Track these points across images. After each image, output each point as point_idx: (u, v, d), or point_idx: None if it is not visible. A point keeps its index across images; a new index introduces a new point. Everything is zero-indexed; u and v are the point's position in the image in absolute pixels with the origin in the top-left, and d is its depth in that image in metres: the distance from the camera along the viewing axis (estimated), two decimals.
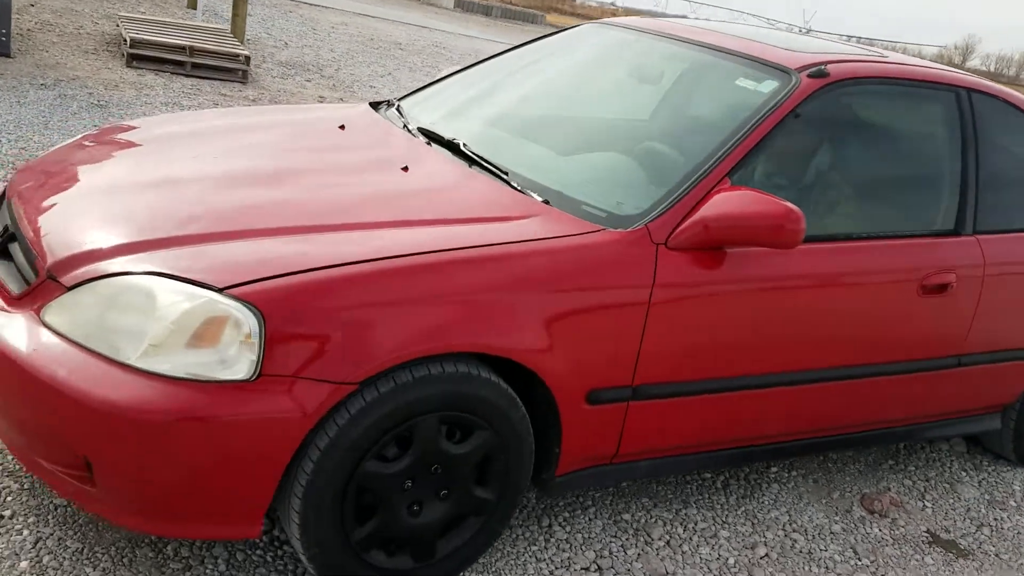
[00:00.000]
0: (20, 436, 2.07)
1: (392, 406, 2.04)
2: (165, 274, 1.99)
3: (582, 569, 2.51)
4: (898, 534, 3.05)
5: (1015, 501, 3.44)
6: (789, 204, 2.32)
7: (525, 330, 2.16)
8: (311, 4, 18.39)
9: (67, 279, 2.05)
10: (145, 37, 8.45)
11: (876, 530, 3.05)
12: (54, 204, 2.35)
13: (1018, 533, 3.22)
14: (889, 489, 3.33)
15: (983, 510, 3.33)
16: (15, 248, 2.29)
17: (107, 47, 9.09)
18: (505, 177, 2.56)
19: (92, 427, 1.89)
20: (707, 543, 2.75)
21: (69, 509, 2.33)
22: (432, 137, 2.86)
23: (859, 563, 2.84)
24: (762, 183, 2.63)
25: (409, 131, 2.95)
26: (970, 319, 3.05)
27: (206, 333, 1.91)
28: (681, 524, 2.82)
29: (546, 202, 2.44)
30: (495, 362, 2.20)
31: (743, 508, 2.99)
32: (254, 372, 1.90)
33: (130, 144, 2.84)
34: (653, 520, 2.80)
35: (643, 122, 3.08)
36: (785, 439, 2.87)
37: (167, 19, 10.19)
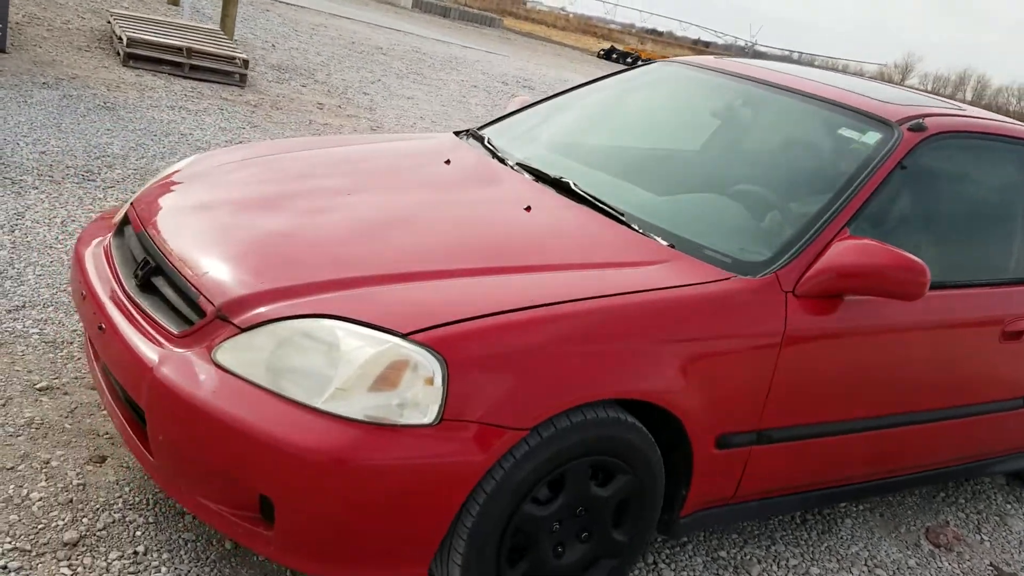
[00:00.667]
0: (183, 476, 2.04)
1: (553, 450, 2.05)
2: (347, 318, 1.98)
3: None
4: (966, 567, 3.16)
5: None
6: (914, 256, 2.39)
7: (668, 376, 2.20)
8: (284, 3, 18.20)
9: (241, 320, 2.03)
10: (142, 36, 8.28)
11: (946, 564, 3.15)
12: (201, 239, 2.32)
13: None
14: (948, 523, 3.44)
15: None
16: (160, 282, 2.26)
17: (99, 44, 8.90)
18: (624, 219, 2.59)
19: (277, 468, 1.87)
20: None
21: (199, 544, 2.30)
22: (538, 175, 2.87)
23: None
24: (868, 232, 2.70)
25: (511, 167, 2.96)
26: None
27: (389, 377, 1.91)
28: (775, 561, 2.87)
29: (671, 246, 2.48)
30: (634, 406, 2.23)
31: (825, 544, 3.06)
32: (437, 417, 1.90)
33: (246, 174, 2.81)
34: (748, 557, 2.85)
35: (737, 164, 3.13)
36: (877, 478, 2.95)
37: (159, 17, 9.99)
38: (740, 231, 2.67)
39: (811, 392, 2.53)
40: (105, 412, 2.75)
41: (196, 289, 2.14)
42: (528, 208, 2.61)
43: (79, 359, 3.03)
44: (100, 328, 2.25)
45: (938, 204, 2.96)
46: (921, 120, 2.83)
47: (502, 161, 3.03)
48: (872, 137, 2.80)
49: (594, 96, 3.62)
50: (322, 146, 3.17)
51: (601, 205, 2.66)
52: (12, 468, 2.41)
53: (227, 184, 2.71)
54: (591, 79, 3.75)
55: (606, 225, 2.58)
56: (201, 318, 2.09)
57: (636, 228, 2.56)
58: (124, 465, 2.54)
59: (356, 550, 1.95)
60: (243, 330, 2.02)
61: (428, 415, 1.90)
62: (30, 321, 3.19)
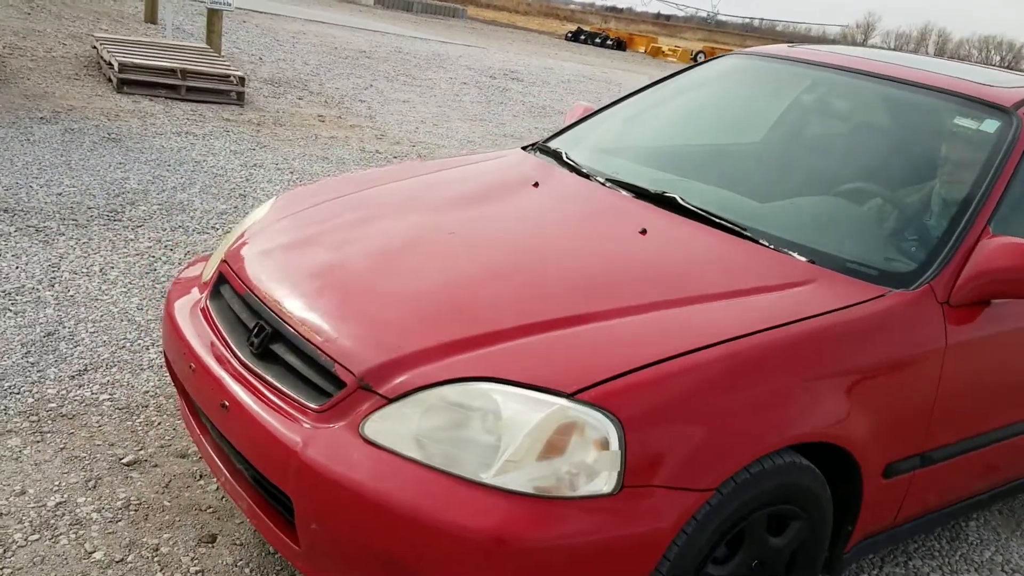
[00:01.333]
0: (338, 565, 1.85)
1: (733, 507, 1.88)
2: (504, 380, 1.80)
3: None
4: None
5: None
6: None
7: (840, 410, 2.03)
8: (257, 12, 17.88)
9: (387, 389, 1.84)
10: (133, 61, 8.01)
11: None
12: (320, 297, 2.13)
13: None
14: None
15: None
16: (281, 349, 2.07)
17: (87, 71, 8.62)
18: (748, 235, 2.42)
19: (450, 553, 1.69)
20: None
21: None
22: (637, 191, 2.69)
23: None
24: (1006, 229, 2.53)
25: (603, 183, 2.78)
26: None
27: (559, 443, 1.73)
28: None
29: (812, 262, 2.30)
30: (805, 446, 2.06)
31: (959, 553, 2.92)
32: (617, 485, 1.73)
33: (340, 220, 2.61)
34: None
35: (846, 163, 2.95)
36: (1015, 480, 2.81)
37: (144, 39, 9.70)
38: (873, 238, 2.50)
39: (972, 405, 2.38)
40: (204, 483, 2.56)
41: (329, 357, 1.95)
42: (644, 231, 2.43)
43: (159, 424, 2.82)
44: (223, 406, 2.05)
45: None
46: None
47: (589, 178, 2.85)
48: (991, 125, 2.63)
49: (664, 98, 3.43)
50: (396, 178, 2.97)
51: (718, 220, 2.48)
52: (122, 560, 2.22)
53: (325, 231, 2.51)
54: (656, 79, 3.56)
55: (731, 243, 2.40)
56: (340, 389, 1.90)
57: (766, 244, 2.38)
58: (237, 543, 2.35)
59: None
60: (391, 400, 1.84)
61: (608, 483, 1.72)
62: (97, 386, 2.98)
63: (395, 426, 1.82)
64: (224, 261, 2.43)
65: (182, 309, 2.39)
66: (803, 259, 2.32)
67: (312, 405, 1.92)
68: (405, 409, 1.82)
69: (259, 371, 2.06)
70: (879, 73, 2.97)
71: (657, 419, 1.77)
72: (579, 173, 2.89)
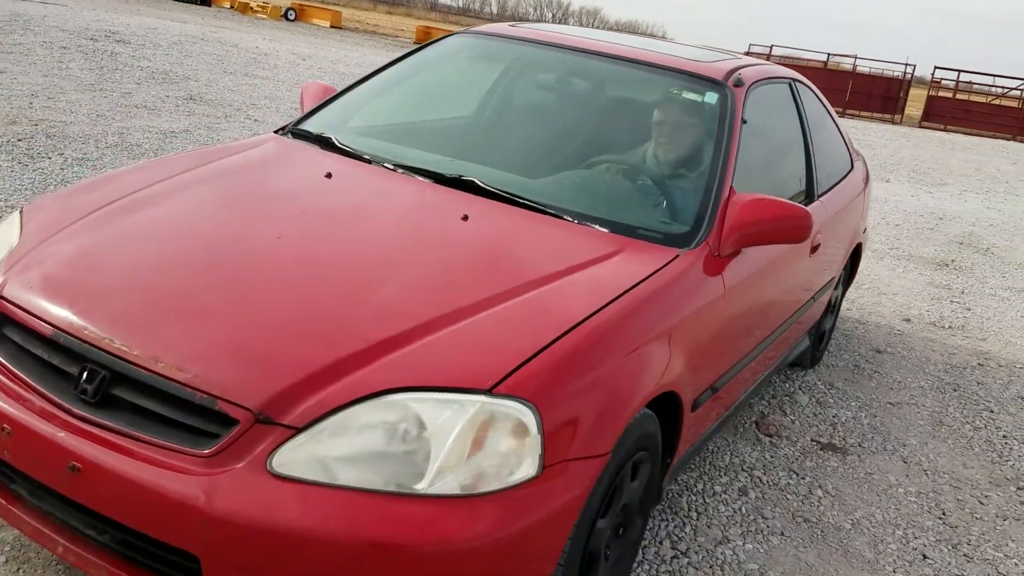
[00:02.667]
0: None
1: (617, 465, 2.09)
2: (418, 387, 1.79)
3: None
4: (798, 448, 3.74)
5: (827, 397, 4.35)
6: (798, 204, 2.73)
7: (673, 361, 2.32)
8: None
9: (293, 419, 1.75)
10: None
11: (786, 449, 3.70)
12: (166, 325, 1.93)
13: (855, 422, 4.11)
14: (764, 414, 4.02)
15: (821, 410, 4.18)
16: (128, 392, 1.85)
17: None
18: (552, 212, 2.60)
19: (398, 572, 1.69)
20: (727, 496, 3.16)
21: None
22: (435, 177, 2.74)
23: (802, 480, 3.45)
24: (741, 187, 2.98)
25: (398, 171, 2.79)
26: (826, 264, 3.79)
27: (484, 440, 1.80)
28: (686, 487, 3.18)
29: (614, 232, 2.55)
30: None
31: (708, 462, 3.44)
32: (539, 467, 1.84)
33: (136, 229, 2.34)
34: (680, 488, 3.13)
35: (596, 138, 3.20)
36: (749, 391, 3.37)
37: None
38: (649, 205, 2.81)
39: (739, 336, 2.81)
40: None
41: (207, 394, 1.79)
42: (465, 217, 2.51)
43: None
44: (74, 469, 1.79)
45: (765, 145, 3.34)
46: (738, 76, 3.16)
47: (370, 163, 2.84)
48: (712, 97, 3.07)
49: (405, 77, 3.48)
50: (161, 176, 2.69)
51: (520, 200, 2.64)
52: None
53: (122, 245, 2.24)
54: (395, 59, 3.57)
55: (544, 222, 2.57)
56: (230, 428, 1.78)
57: (570, 219, 2.59)
58: None
59: None
60: (300, 429, 1.76)
61: (532, 468, 1.83)
62: None
63: (310, 455, 1.75)
64: (2, 300, 2.07)
65: None
66: (605, 230, 2.56)
67: (197, 450, 1.77)
68: (320, 436, 1.76)
69: (107, 422, 1.84)
70: (611, 53, 3.29)
71: (563, 399, 1.90)
72: (359, 159, 2.86)
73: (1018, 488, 3.70)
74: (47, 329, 1.97)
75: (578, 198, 2.73)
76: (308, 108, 3.31)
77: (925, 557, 3.06)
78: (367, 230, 2.44)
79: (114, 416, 1.84)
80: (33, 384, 1.93)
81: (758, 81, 3.32)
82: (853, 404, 4.31)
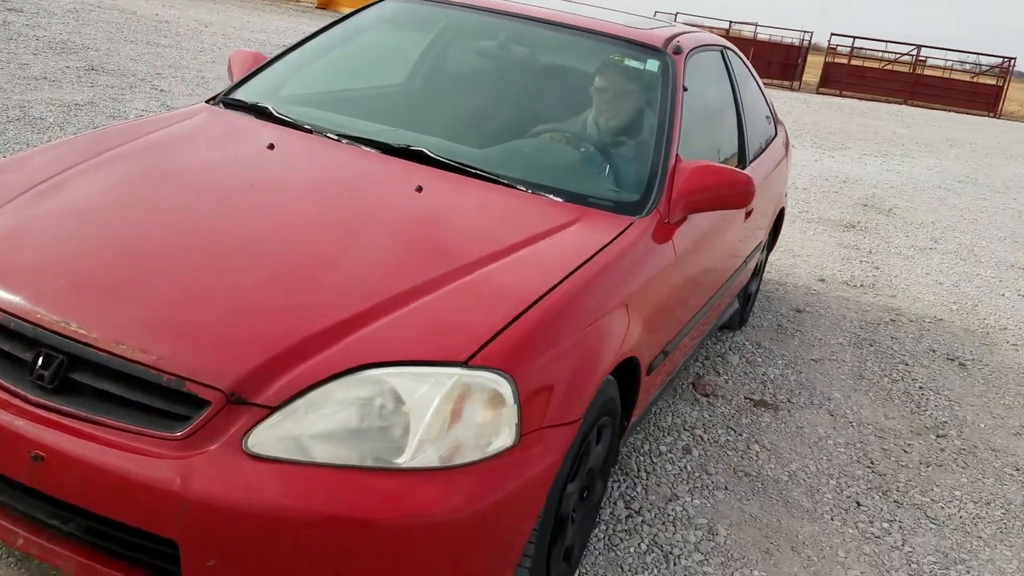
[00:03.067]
0: None
1: (584, 431, 2.13)
2: (394, 362, 1.79)
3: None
4: (733, 406, 3.87)
5: (756, 356, 4.51)
6: (743, 172, 2.80)
7: (633, 327, 2.37)
8: None
9: (267, 397, 1.74)
10: None
11: (722, 408, 3.83)
12: (122, 305, 1.88)
13: (783, 379, 4.27)
14: (700, 375, 4.14)
15: (751, 369, 4.33)
16: (88, 377, 1.79)
17: None
18: (503, 182, 2.61)
19: (381, 550, 1.70)
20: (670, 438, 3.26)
21: None
22: (381, 147, 2.71)
23: (740, 436, 3.58)
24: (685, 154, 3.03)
25: (340, 141, 2.75)
26: (756, 228, 3.91)
27: (461, 412, 1.81)
28: (633, 447, 3.27)
29: (567, 202, 2.57)
30: None
31: (651, 424, 3.53)
32: (516, 436, 1.86)
33: (72, 207, 2.25)
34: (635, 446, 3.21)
35: (537, 106, 3.20)
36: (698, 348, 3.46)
37: None
38: (592, 174, 2.84)
39: (688, 300, 2.88)
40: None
41: (175, 375, 1.75)
42: (419, 189, 2.50)
43: None
44: (36, 458, 1.73)
45: (702, 112, 3.41)
46: (676, 43, 3.21)
47: (323, 135, 2.79)
48: (653, 65, 3.11)
49: (337, 44, 3.42)
50: (92, 152, 2.58)
51: (472, 170, 2.64)
52: None
53: (61, 225, 2.16)
54: (320, 28, 3.49)
55: (495, 191, 2.58)
56: (202, 409, 1.74)
57: (523, 189, 2.60)
58: None
59: None
60: (275, 408, 1.74)
61: (509, 437, 1.85)
62: None
63: (285, 434, 1.74)
64: None
65: None
66: (559, 200, 2.59)
67: (167, 433, 1.73)
68: (295, 414, 1.74)
69: (68, 408, 1.78)
70: (548, 19, 3.29)
71: (536, 369, 1.93)
72: (300, 129, 2.81)
73: (937, 436, 3.92)
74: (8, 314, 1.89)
75: (528, 168, 2.74)
76: (238, 77, 3.22)
77: (859, 504, 3.22)
78: (319, 203, 2.41)
79: (75, 401, 1.78)
80: None
81: (694, 48, 3.38)
82: (780, 362, 4.47)
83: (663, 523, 2.86)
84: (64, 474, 1.73)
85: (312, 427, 1.74)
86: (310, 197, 2.44)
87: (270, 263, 2.08)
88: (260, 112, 2.94)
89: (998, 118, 26.37)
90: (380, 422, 1.77)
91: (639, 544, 2.72)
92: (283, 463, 1.71)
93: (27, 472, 1.76)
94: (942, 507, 3.31)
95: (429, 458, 1.76)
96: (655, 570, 2.61)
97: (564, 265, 2.23)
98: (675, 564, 2.66)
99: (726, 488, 3.16)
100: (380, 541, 1.69)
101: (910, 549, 2.99)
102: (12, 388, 1.81)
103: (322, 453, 1.72)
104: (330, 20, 3.59)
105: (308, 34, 3.48)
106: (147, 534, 1.72)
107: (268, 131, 2.81)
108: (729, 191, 2.74)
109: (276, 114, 2.89)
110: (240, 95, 3.09)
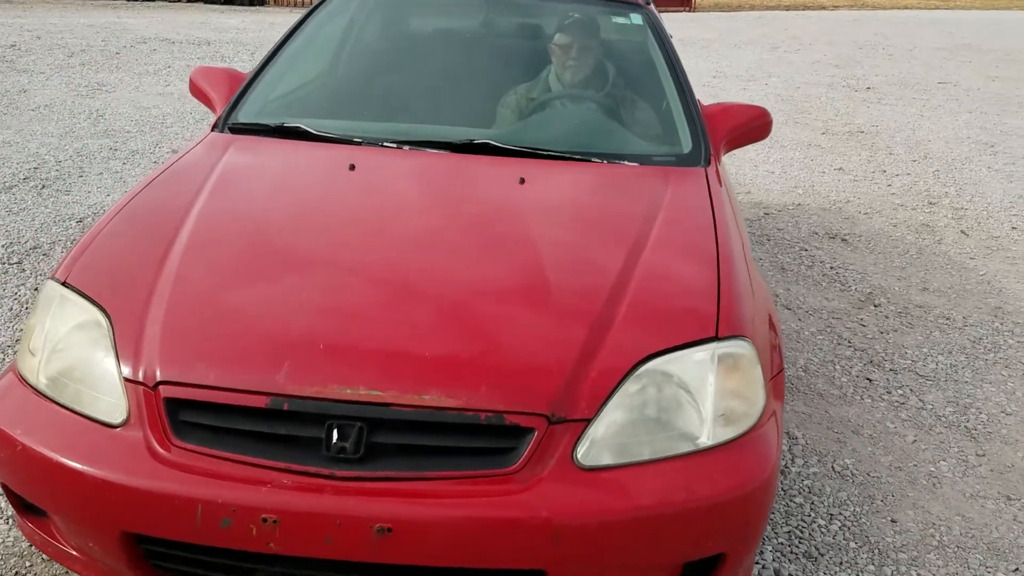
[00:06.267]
0: None
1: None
2: (664, 350, 1.86)
3: None
4: None
5: None
6: (759, 105, 3.02)
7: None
8: None
9: (581, 411, 1.77)
10: None
11: None
12: (381, 353, 1.82)
13: None
14: None
15: None
16: (388, 436, 1.73)
17: None
18: (578, 157, 2.66)
19: (742, 517, 1.83)
20: None
21: None
22: (451, 147, 2.66)
23: None
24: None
25: (398, 148, 2.65)
26: None
27: (731, 381, 1.92)
28: None
29: (649, 163, 2.66)
30: None
31: None
32: (765, 393, 1.98)
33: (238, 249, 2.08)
34: None
35: (535, 74, 3.18)
36: None
37: None
38: (639, 134, 2.94)
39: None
40: None
41: (491, 411, 1.73)
42: (522, 181, 2.48)
43: None
44: (381, 531, 1.63)
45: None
46: None
47: (378, 145, 2.68)
48: (637, 18, 3.23)
49: (316, 45, 3.23)
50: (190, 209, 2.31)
51: (542, 152, 2.66)
52: None
53: (237, 283, 1.99)
54: (290, 30, 3.25)
55: (582, 169, 2.63)
56: (527, 436, 1.74)
57: (598, 161, 2.66)
58: None
59: None
60: (590, 420, 1.77)
61: (762, 396, 1.97)
62: None
63: (605, 440, 1.78)
64: (160, 384, 1.77)
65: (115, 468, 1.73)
66: (635, 164, 2.67)
67: (503, 469, 1.71)
68: (605, 420, 1.78)
69: (389, 473, 1.72)
70: None
71: (754, 326, 2.05)
72: (349, 143, 2.68)
73: (874, 305, 4.44)
74: (260, 400, 1.73)
75: (585, 139, 2.80)
76: (224, 98, 2.95)
77: (870, 380, 3.64)
78: (455, 218, 2.35)
79: (385, 464, 1.71)
80: (268, 463, 1.70)
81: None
82: None
83: None
84: (416, 538, 1.65)
85: (621, 428, 1.78)
86: (440, 212, 2.36)
87: (477, 286, 2.04)
88: (286, 133, 2.73)
89: (692, 11, 27.65)
90: (674, 410, 1.83)
91: None
92: (615, 468, 1.74)
93: (372, 549, 1.66)
94: (923, 364, 3.81)
95: (725, 432, 1.85)
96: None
97: (705, 223, 2.34)
98: (786, 475, 2.92)
99: None
100: (728, 518, 1.78)
101: (930, 405, 3.44)
102: (314, 470, 1.69)
103: (639, 450, 1.77)
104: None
105: (281, 40, 3.23)
106: (509, 572, 1.69)
107: (318, 152, 2.65)
108: (754, 125, 2.95)
109: (316, 133, 2.71)
110: (246, 117, 2.84)
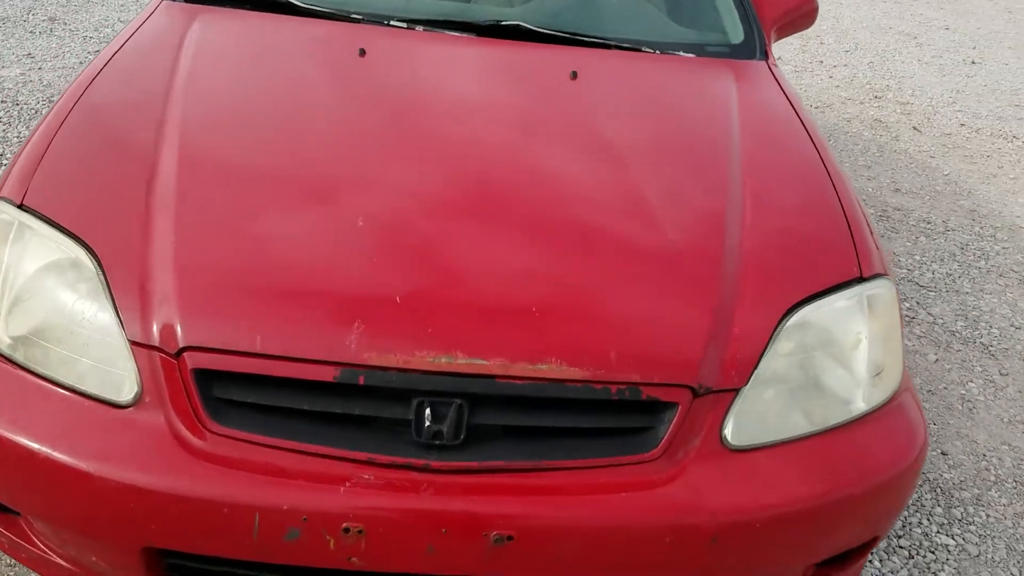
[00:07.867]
0: None
1: None
2: (807, 299, 1.54)
3: None
4: None
5: None
6: None
7: None
8: None
9: (732, 378, 1.42)
10: None
11: None
12: (486, 311, 1.40)
13: None
14: None
15: None
16: (494, 415, 1.34)
17: None
18: (626, 46, 2.24)
19: (899, 491, 1.54)
20: None
21: None
22: (477, 29, 2.17)
23: None
24: None
25: (410, 28, 2.15)
26: None
27: (881, 328, 1.60)
28: None
29: (705, 54, 2.29)
30: None
31: None
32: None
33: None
34: None
35: None
36: None
37: None
38: (688, 21, 2.53)
39: None
40: None
41: (626, 383, 1.35)
42: (574, 75, 2.04)
43: None
44: (503, 539, 1.26)
45: None
46: None
47: (382, 24, 2.17)
48: None
49: None
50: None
51: (582, 38, 2.22)
52: None
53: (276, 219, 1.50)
54: None
55: (635, 60, 2.21)
56: (669, 412, 1.38)
57: (649, 51, 2.25)
58: None
59: None
60: (738, 389, 1.42)
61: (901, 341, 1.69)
62: None
63: (754, 414, 1.44)
64: (185, 350, 1.31)
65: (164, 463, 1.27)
66: (691, 55, 2.28)
67: (643, 454, 1.35)
68: (756, 389, 1.44)
69: (497, 463, 1.33)
70: None
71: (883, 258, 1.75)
72: (348, 20, 2.16)
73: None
74: (327, 372, 1.29)
75: (632, 24, 2.37)
76: None
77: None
78: (525, 124, 1.87)
79: (491, 452, 1.32)
80: (343, 453, 1.28)
81: None
82: None
83: None
84: (545, 548, 1.29)
85: (773, 397, 1.44)
86: (504, 122, 1.88)
87: (578, 220, 1.60)
88: (264, 4, 2.16)
89: None
90: (828, 370, 1.51)
91: None
92: (769, 447, 1.41)
93: (486, 562, 1.28)
94: (920, 273, 3.63)
95: (878, 393, 1.54)
96: None
97: (797, 132, 1.99)
98: None
99: None
100: (890, 496, 1.51)
101: (941, 320, 3.28)
102: (404, 461, 1.29)
103: (798, 422, 1.45)
104: None
105: None
106: None
107: (316, 29, 2.11)
108: (803, 11, 2.60)
109: (302, 5, 2.15)
110: None
